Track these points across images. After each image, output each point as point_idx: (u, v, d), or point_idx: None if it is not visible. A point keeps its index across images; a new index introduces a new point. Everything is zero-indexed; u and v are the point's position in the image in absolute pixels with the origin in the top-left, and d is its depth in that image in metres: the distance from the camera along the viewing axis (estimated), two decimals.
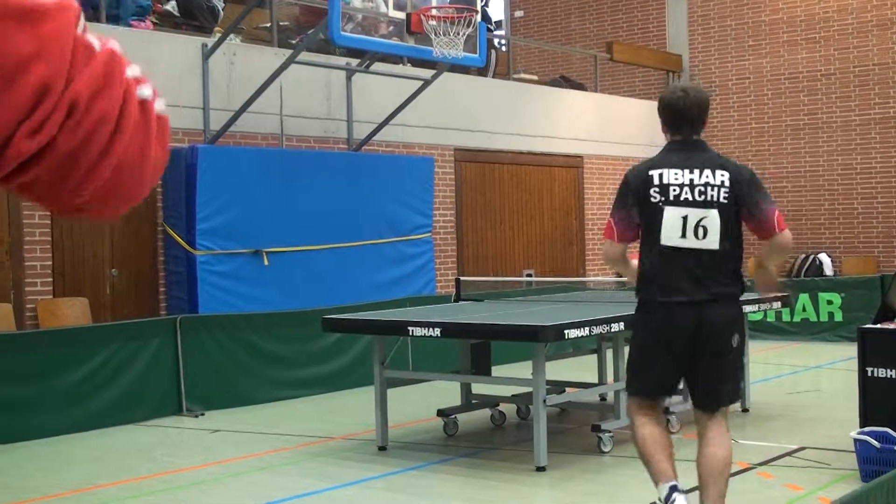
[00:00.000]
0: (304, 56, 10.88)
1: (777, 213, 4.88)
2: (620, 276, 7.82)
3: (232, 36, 11.39)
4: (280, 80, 10.76)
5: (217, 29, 12.16)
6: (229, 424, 8.61)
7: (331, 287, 11.11)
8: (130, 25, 11.24)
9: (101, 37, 1.30)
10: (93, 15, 10.89)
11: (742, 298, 5.10)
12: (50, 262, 9.97)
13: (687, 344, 4.81)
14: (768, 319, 12.88)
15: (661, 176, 4.84)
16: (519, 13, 19.68)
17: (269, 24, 12.69)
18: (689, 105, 4.90)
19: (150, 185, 1.36)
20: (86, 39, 1.27)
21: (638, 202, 4.88)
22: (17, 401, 8.06)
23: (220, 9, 12.70)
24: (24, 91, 1.19)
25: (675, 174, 4.82)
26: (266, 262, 10.80)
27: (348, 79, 12.31)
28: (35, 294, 9.87)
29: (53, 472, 7.08)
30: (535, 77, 16.73)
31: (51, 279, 9.98)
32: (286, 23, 13.37)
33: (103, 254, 10.32)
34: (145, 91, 1.33)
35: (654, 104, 5.43)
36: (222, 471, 7.06)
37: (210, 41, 11.30)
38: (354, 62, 12.15)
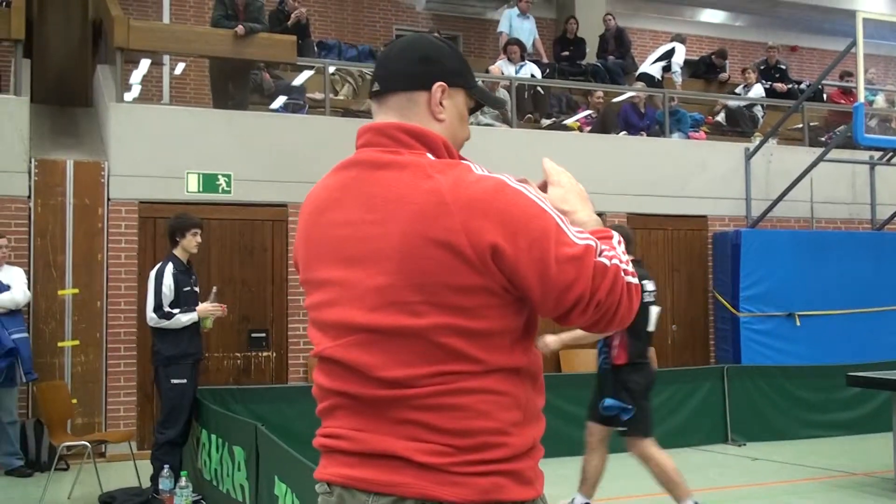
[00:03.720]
0: (832, 153, 10.89)
1: None
2: None
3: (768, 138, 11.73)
4: (811, 173, 10.88)
5: (756, 133, 12.55)
6: (766, 454, 8.82)
7: (853, 345, 10.91)
8: (688, 136, 12.07)
9: (608, 253, 1.75)
10: (658, 130, 11.88)
11: None
12: None
13: None
14: None
15: None
16: None
17: (800, 126, 12.81)
18: None
19: (625, 323, 1.80)
20: (600, 262, 1.73)
21: None
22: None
23: (760, 116, 13.12)
24: (568, 299, 1.72)
25: None
26: (798, 323, 10.94)
27: (871, 169, 12.04)
28: None
29: (639, 479, 7.83)
30: None
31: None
32: (815, 123, 13.37)
33: (666, 312, 11.09)
34: (631, 279, 1.78)
35: None
36: (762, 491, 7.36)
37: (751, 144, 11.73)
38: (877, 155, 11.87)
